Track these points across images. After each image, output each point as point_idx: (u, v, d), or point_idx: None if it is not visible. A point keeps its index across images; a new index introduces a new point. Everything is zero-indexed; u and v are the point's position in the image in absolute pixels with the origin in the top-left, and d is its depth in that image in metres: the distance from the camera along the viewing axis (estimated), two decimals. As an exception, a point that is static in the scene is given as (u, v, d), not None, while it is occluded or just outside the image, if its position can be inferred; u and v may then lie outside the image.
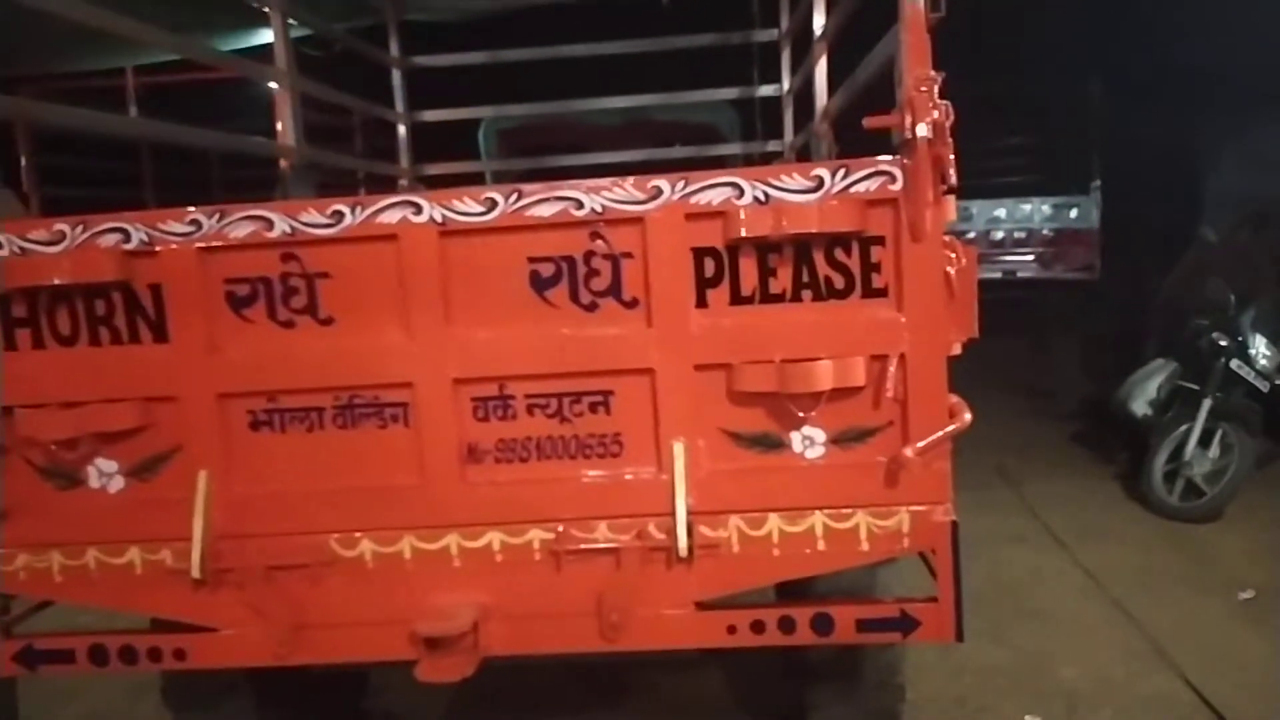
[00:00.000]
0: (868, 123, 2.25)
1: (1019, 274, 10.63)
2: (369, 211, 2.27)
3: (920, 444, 2.21)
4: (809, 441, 2.32)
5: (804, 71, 4.37)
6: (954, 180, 2.19)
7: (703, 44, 5.34)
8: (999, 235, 10.62)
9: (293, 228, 2.28)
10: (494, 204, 2.25)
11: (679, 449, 2.29)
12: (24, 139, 7.34)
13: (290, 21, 4.06)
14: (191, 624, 2.42)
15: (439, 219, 2.26)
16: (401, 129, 5.49)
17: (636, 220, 2.25)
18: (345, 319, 2.34)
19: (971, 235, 10.43)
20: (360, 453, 2.36)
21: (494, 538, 2.34)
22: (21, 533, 2.42)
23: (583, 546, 2.32)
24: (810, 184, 2.21)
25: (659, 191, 2.23)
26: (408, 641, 2.31)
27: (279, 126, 4.00)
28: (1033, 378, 9.25)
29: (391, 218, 2.26)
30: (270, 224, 2.29)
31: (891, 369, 2.23)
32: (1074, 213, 10.62)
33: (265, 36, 5.60)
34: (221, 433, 2.37)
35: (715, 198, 2.23)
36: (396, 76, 5.44)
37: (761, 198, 2.22)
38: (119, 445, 2.38)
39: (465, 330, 2.31)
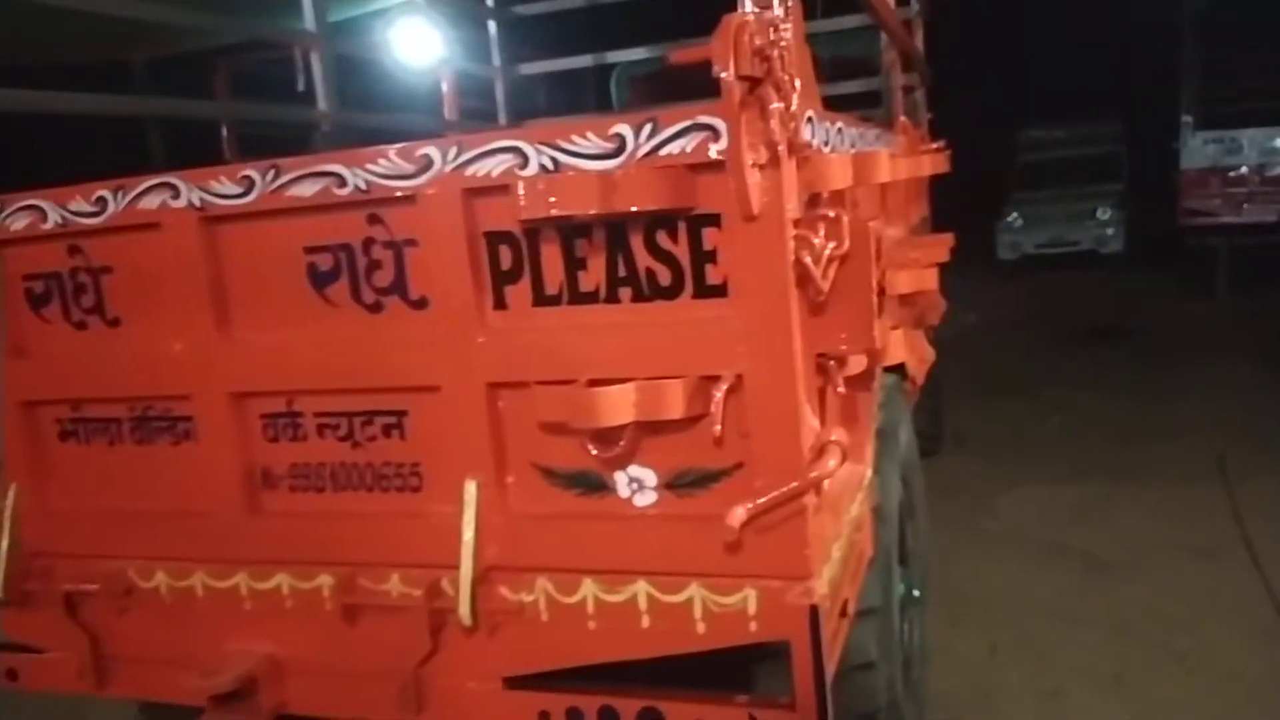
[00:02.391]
0: (675, 57, 1.63)
1: (1303, 216, 8.83)
2: (130, 197, 1.94)
3: (753, 503, 1.60)
4: (637, 484, 1.77)
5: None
6: (807, 136, 1.55)
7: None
8: (1277, 170, 8.82)
9: (64, 217, 2.01)
10: (251, 183, 1.86)
11: (471, 488, 1.81)
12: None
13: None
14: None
15: (197, 203, 1.90)
16: (499, 84, 5.18)
17: (409, 199, 1.78)
18: (131, 320, 2.05)
19: (1243, 170, 8.75)
20: (156, 471, 2.08)
21: (283, 580, 1.98)
22: None
23: (372, 600, 1.91)
24: (608, 146, 1.64)
25: (428, 162, 1.75)
26: (197, 689, 2.01)
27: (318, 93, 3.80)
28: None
29: (152, 202, 1.93)
30: (44, 214, 2.02)
31: (717, 394, 1.63)
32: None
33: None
34: (31, 443, 2.16)
35: (495, 167, 1.71)
36: (492, 28, 5.12)
37: (549, 165, 1.68)
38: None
39: (243, 334, 1.95)
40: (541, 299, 1.76)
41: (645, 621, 1.75)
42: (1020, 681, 3.50)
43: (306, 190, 1.82)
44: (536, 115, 5.42)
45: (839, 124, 2.12)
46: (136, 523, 2.09)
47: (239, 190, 1.86)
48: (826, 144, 1.93)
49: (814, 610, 1.65)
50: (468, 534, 1.79)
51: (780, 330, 1.60)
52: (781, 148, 1.54)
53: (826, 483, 1.69)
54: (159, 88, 6.03)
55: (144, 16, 3.52)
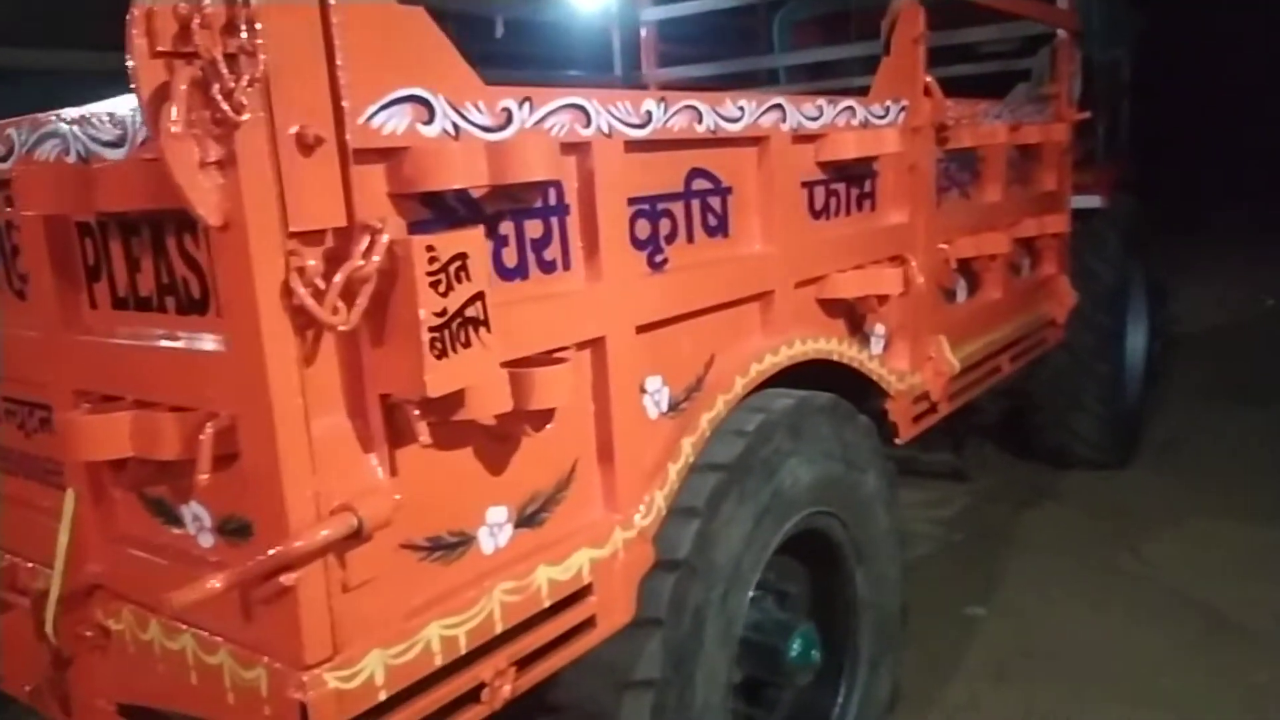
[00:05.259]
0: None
1: None
2: None
3: (221, 577, 1.32)
4: (199, 523, 1.54)
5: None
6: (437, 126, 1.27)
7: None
8: None
9: None
10: None
11: (69, 498, 1.67)
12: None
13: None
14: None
15: None
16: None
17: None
18: None
19: None
20: None
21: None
22: None
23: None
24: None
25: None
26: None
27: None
28: None
29: None
30: None
31: (204, 435, 1.35)
32: None
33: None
34: None
35: None
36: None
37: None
38: None
39: None
40: (119, 301, 1.56)
41: (194, 678, 1.53)
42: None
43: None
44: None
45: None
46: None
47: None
48: (492, 130, 1.54)
49: (303, 709, 1.35)
50: (62, 542, 1.66)
51: (256, 365, 1.29)
52: (248, 141, 1.22)
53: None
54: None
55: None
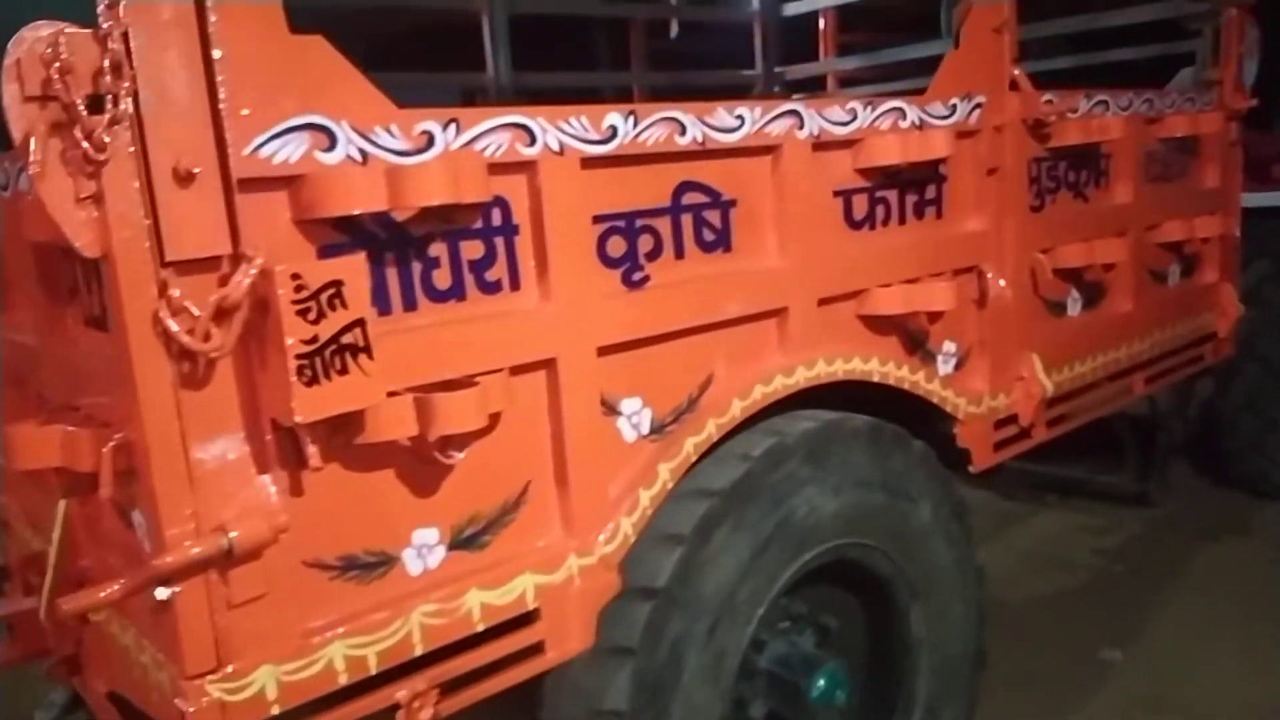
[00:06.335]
0: None
1: None
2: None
3: (108, 587, 1.41)
4: (142, 529, 1.64)
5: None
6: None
7: None
8: None
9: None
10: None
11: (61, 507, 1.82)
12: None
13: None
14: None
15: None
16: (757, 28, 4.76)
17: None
18: None
19: None
20: None
21: None
22: None
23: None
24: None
25: None
26: None
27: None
28: None
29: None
30: None
31: (106, 449, 1.44)
32: None
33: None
34: None
35: None
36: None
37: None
38: None
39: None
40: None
41: (134, 672, 1.64)
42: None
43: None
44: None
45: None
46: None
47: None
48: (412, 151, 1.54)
49: (182, 716, 1.41)
50: (55, 537, 1.81)
51: (130, 388, 1.35)
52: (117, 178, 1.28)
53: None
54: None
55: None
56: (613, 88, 4.92)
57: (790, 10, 4.77)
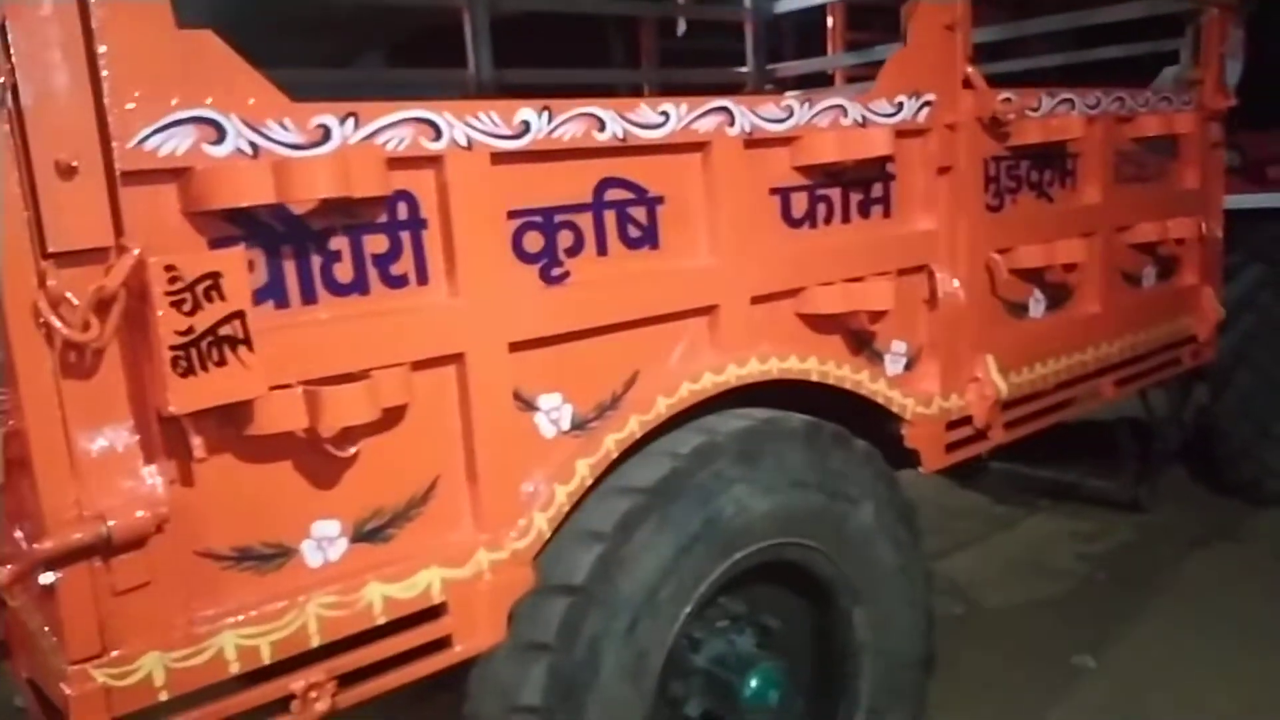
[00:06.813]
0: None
1: None
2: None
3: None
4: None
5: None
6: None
7: None
8: None
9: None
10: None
11: None
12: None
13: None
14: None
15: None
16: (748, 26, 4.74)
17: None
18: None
19: None
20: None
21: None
22: None
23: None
24: None
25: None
26: None
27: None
28: None
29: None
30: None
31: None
32: None
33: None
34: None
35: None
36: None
37: None
38: None
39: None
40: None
41: (44, 659, 1.66)
42: None
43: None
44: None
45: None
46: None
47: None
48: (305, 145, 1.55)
49: (65, 700, 1.43)
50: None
51: (13, 376, 1.38)
52: None
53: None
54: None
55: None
56: (601, 84, 4.92)
57: (780, 8, 4.73)
